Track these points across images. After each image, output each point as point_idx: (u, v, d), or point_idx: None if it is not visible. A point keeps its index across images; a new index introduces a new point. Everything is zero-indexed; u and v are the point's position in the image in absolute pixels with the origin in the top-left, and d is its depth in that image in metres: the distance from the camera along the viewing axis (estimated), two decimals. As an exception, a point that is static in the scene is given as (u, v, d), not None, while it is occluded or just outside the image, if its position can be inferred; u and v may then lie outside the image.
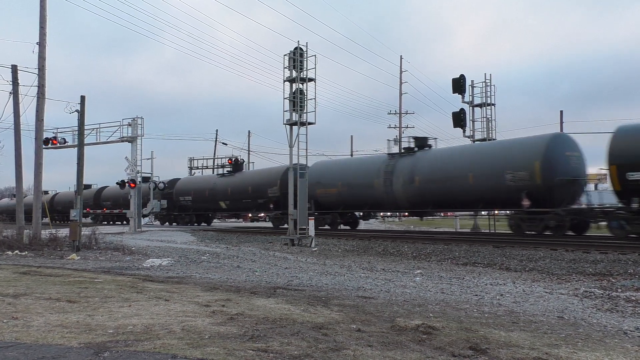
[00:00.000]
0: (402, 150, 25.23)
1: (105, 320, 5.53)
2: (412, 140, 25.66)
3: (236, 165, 36.92)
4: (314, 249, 18.51)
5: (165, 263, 13.51)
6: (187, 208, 39.28)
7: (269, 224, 38.17)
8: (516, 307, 7.30)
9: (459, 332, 5.29)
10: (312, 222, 20.68)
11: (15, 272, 10.47)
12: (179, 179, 42.56)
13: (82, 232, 17.81)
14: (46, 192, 58.19)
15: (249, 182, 33.68)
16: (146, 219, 42.91)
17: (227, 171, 37.35)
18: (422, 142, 25.12)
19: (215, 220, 46.53)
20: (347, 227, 29.71)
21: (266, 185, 31.50)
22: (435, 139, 25.49)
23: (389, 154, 25.52)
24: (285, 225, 29.17)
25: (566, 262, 13.04)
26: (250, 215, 44.73)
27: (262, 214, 42.54)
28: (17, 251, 16.31)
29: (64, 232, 19.69)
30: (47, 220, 48.01)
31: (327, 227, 28.08)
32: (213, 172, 44.27)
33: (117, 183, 34.85)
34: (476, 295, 8.42)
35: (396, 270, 12.35)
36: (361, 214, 29.84)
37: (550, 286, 9.69)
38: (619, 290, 9.03)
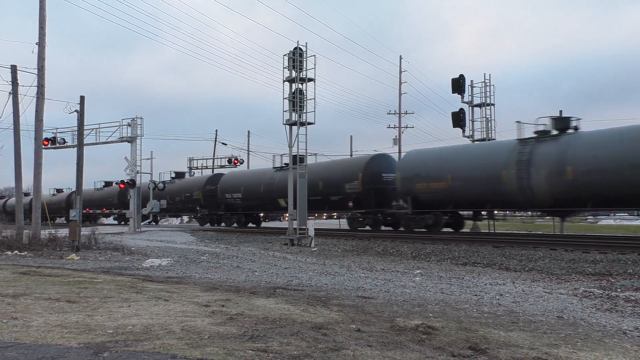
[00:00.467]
0: (536, 134, 20.17)
1: (105, 321, 5.54)
2: (548, 122, 20.21)
3: (297, 157, 33.73)
4: (313, 249, 18.51)
5: (165, 263, 13.51)
6: (235, 207, 34.22)
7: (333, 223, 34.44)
8: (516, 307, 7.30)
9: (459, 332, 5.30)
10: (311, 222, 20.69)
11: (15, 272, 10.47)
12: (223, 174, 38.72)
13: (82, 232, 17.82)
14: (61, 190, 55.36)
15: (319, 176, 28.05)
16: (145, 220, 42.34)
17: (286, 164, 32.95)
18: (564, 123, 19.96)
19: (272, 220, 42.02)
20: (449, 230, 24.40)
21: (343, 180, 26.42)
22: (579, 119, 20.13)
23: (519, 139, 20.36)
24: (367, 227, 26.50)
25: (565, 262, 13.05)
26: (319, 215, 38.62)
27: (336, 214, 37.20)
28: (16, 251, 16.31)
29: (63, 232, 19.69)
30: (62, 220, 47.35)
31: (423, 229, 23.29)
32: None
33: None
34: (476, 295, 8.42)
35: (396, 270, 12.35)
36: (469, 213, 24.11)
37: (550, 286, 9.69)
38: (619, 290, 9.03)
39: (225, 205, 34.99)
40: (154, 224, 45.68)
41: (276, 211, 33.73)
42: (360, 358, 4.18)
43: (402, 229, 25.30)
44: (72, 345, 4.48)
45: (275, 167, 32.17)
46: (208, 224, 36.90)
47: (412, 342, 4.76)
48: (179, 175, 42.17)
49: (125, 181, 30.59)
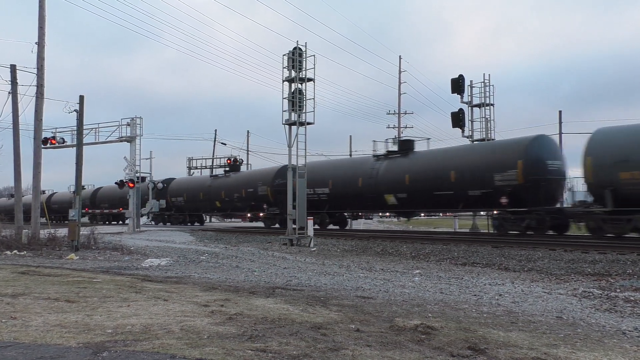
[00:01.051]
0: None
1: (104, 320, 5.53)
2: None
3: (406, 142, 25.81)
4: (312, 249, 18.50)
5: (164, 263, 13.50)
6: (318, 204, 27.45)
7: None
8: (515, 307, 7.30)
9: (458, 332, 5.29)
10: (310, 222, 20.71)
11: (14, 271, 10.46)
12: (282, 165, 32.22)
13: (81, 232, 17.81)
14: (83, 188, 53.03)
15: (449, 164, 22.36)
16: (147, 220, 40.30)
17: (390, 151, 26.04)
18: None
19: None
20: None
21: (491, 169, 20.75)
22: None
23: None
24: (529, 232, 20.28)
25: (565, 262, 13.05)
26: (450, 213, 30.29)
27: (470, 212, 27.83)
28: (15, 251, 16.29)
29: (62, 232, 19.68)
30: (86, 219, 42.97)
31: (619, 234, 17.73)
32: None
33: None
34: (475, 295, 8.42)
35: (395, 270, 12.35)
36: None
37: (549, 286, 9.70)
38: (618, 290, 9.04)
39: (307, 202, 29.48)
40: (197, 224, 39.29)
41: (379, 209, 27.15)
42: (360, 358, 4.18)
43: (576, 233, 20.23)
44: (71, 345, 4.47)
45: (378, 155, 26.16)
46: (277, 225, 31.11)
47: (411, 342, 4.76)
48: (234, 167, 36.45)
49: (124, 180, 30.47)
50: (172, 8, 72.35)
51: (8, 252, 16.04)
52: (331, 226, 29.65)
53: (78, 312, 6.01)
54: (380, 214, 30.33)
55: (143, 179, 41.11)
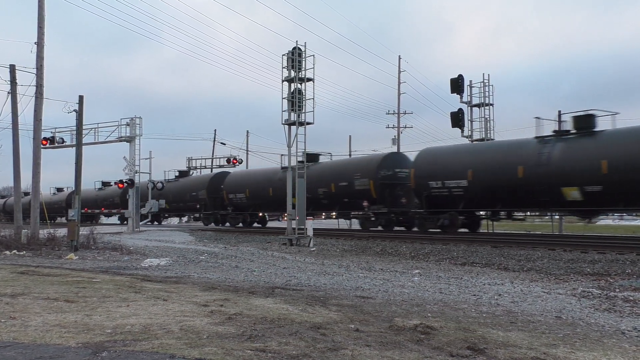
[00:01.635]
0: None
1: (103, 320, 5.53)
2: None
3: (586, 118, 18.77)
4: (312, 249, 18.50)
5: (164, 263, 13.50)
6: (450, 201, 21.83)
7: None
8: (514, 307, 7.31)
9: (457, 332, 5.30)
10: (310, 222, 20.71)
11: (13, 271, 10.45)
12: (399, 153, 27.85)
13: (80, 232, 17.80)
14: (108, 184, 46.09)
15: (623, 151, 17.07)
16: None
17: (561, 131, 19.78)
18: None
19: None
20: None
21: None
22: None
23: None
24: None
25: (564, 262, 13.07)
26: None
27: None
28: (15, 251, 16.29)
29: (62, 231, 19.68)
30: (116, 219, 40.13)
31: None
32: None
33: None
34: (474, 295, 8.43)
35: (394, 270, 12.35)
36: None
37: (548, 286, 9.71)
38: (617, 290, 9.05)
39: (428, 198, 22.58)
40: (257, 225, 32.86)
41: (551, 207, 19.93)
42: (359, 358, 4.18)
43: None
44: (70, 345, 4.47)
45: (544, 136, 19.79)
46: (380, 227, 26.02)
47: (411, 342, 4.76)
48: (313, 158, 28.86)
49: (124, 180, 30.44)
50: (172, 8, 72.54)
51: (7, 252, 16.03)
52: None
53: (77, 312, 6.01)
54: (555, 213, 22.64)
55: (185, 173, 38.77)
